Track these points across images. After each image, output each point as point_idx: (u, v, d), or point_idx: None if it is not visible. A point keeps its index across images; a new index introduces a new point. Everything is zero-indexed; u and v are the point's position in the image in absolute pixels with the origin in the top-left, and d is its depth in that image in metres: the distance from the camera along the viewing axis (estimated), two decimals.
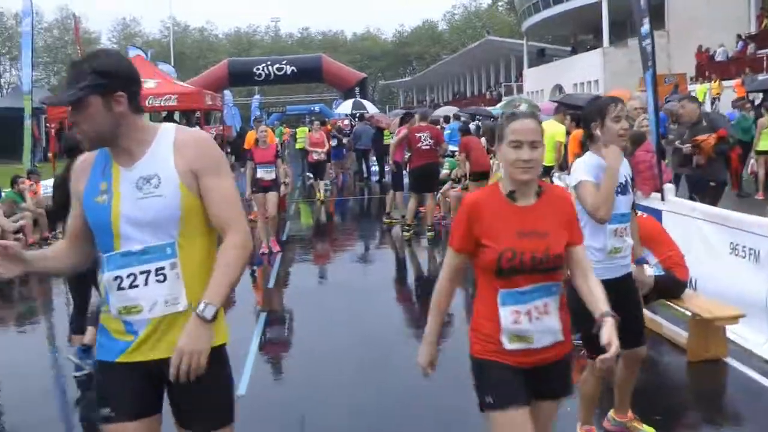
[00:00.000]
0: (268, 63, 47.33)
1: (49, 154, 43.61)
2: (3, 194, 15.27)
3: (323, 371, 7.47)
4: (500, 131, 3.70)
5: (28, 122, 21.35)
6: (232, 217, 3.27)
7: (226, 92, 49.83)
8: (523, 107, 26.13)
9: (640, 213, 6.98)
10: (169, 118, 20.76)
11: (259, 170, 13.49)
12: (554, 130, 14.05)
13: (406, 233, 15.10)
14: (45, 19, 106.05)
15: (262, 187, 13.54)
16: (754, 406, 6.41)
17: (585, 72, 52.12)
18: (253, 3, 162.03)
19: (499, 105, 36.89)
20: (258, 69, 46.63)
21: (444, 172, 17.02)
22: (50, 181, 20.95)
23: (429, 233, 14.93)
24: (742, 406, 6.49)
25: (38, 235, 15.57)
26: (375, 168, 27.48)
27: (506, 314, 3.63)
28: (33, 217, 15.34)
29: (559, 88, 57.62)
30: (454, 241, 3.78)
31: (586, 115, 5.31)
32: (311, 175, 22.90)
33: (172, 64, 48.67)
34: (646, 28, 9.50)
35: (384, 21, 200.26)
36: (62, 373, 7.74)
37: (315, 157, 21.79)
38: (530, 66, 66.40)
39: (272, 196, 13.60)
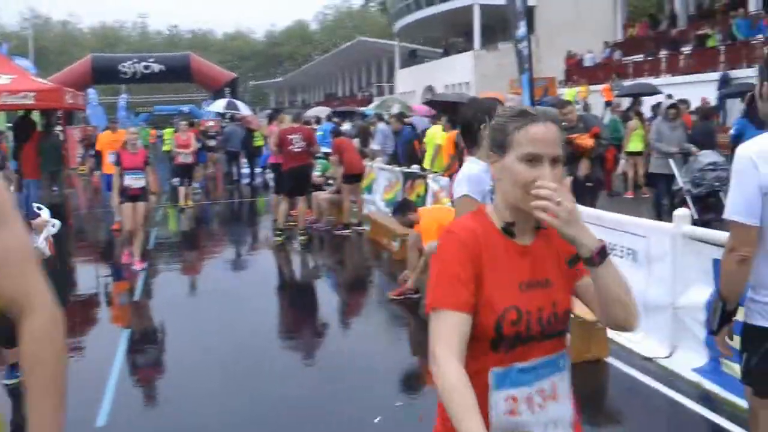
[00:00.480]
0: (135, 60, 45.86)
1: None
2: None
3: (194, 384, 7.16)
4: (502, 136, 2.52)
5: None
6: (24, 286, 2.09)
7: (91, 91, 48.30)
8: (396, 108, 26.04)
9: None
10: (26, 118, 19.65)
11: (127, 177, 12.35)
12: (434, 132, 14.08)
13: (277, 238, 14.66)
14: None
15: (130, 196, 12.35)
16: (633, 402, 6.57)
17: (456, 74, 52.76)
18: None
19: (371, 105, 36.78)
20: (124, 66, 45.12)
21: (315, 174, 16.63)
22: None
23: (301, 237, 14.54)
24: (622, 403, 6.66)
25: None
26: (245, 170, 26.94)
27: (499, 402, 2.45)
28: None
29: (430, 89, 58.13)
30: (451, 296, 2.41)
31: (468, 117, 4.57)
32: (177, 180, 21.54)
33: (32, 59, 46.86)
34: (522, 31, 9.45)
35: (255, 21, 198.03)
36: None
37: (181, 159, 20.50)
38: (402, 67, 66.79)
39: (141, 207, 12.47)
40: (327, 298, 11.00)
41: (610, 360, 7.38)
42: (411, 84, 61.35)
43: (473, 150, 4.55)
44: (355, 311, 10.32)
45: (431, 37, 69.16)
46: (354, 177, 15.03)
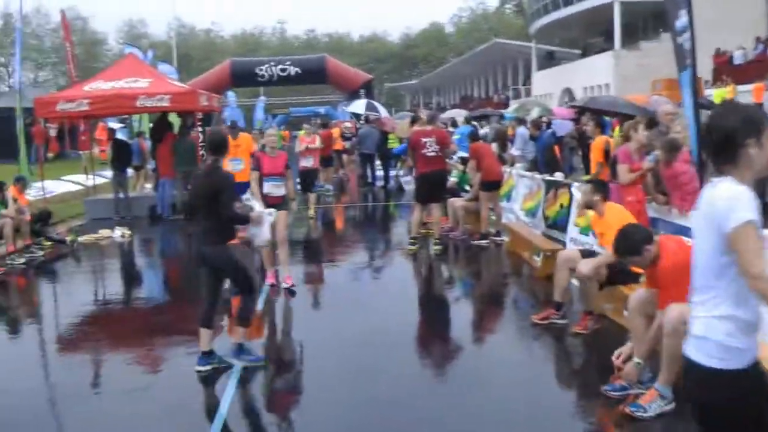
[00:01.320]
0: (272, 63, 46.21)
1: (49, 154, 43.45)
2: None
3: (330, 396, 6.96)
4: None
5: (20, 122, 20.62)
6: None
7: (229, 93, 49.02)
8: (536, 112, 25.33)
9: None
10: (162, 120, 19.85)
11: (266, 184, 10.80)
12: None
13: (411, 247, 13.94)
14: (53, 20, 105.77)
15: (270, 205, 10.30)
16: None
17: (595, 75, 51.56)
18: (260, 4, 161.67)
19: (510, 109, 35.99)
20: (261, 70, 45.51)
21: (452, 179, 16.02)
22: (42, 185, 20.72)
23: (436, 247, 13.81)
24: None
25: (20, 242, 14.80)
26: (379, 173, 26.62)
27: None
28: (15, 223, 14.45)
29: (568, 91, 57.06)
30: None
31: (729, 127, 3.47)
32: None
33: (175, 65, 47.89)
34: (683, 21, 8.50)
35: (390, 23, 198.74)
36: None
37: (303, 164, 18.57)
38: (539, 69, 65.75)
39: (284, 216, 10.95)
40: (461, 312, 10.37)
41: None
42: (548, 86, 60.35)
43: (726, 168, 3.44)
44: (491, 329, 9.65)
45: (569, 37, 67.86)
46: (492, 184, 14.23)
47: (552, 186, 13.98)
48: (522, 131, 19.05)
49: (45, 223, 16.05)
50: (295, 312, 10.28)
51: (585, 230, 12.21)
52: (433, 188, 13.72)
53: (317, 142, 18.93)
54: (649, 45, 49.95)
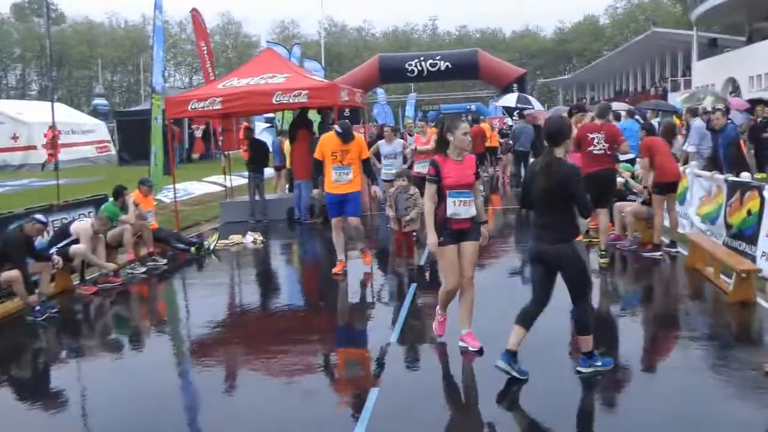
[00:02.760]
0: (421, 59, 44.91)
1: (195, 155, 43.60)
2: (102, 208, 13.44)
3: None
4: None
5: (157, 123, 19.83)
6: None
7: (378, 90, 48.14)
8: (708, 101, 23.09)
9: None
10: (301, 117, 18.64)
11: (450, 202, 7.59)
12: None
13: (602, 259, 12.12)
14: (207, 25, 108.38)
15: (456, 232, 7.64)
16: None
17: (763, 63, 47.96)
18: (411, 2, 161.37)
19: (679, 99, 33.47)
20: (410, 65, 44.28)
21: (619, 181, 14.08)
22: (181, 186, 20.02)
23: (602, 259, 12.01)
24: None
25: (144, 250, 13.93)
26: None
27: None
28: (135, 230, 13.50)
29: (732, 81, 53.76)
30: None
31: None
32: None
33: (324, 63, 47.34)
34: None
35: (543, 18, 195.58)
36: None
37: (416, 169, 15.31)
38: (700, 58, 62.26)
39: (472, 250, 7.79)
40: (632, 338, 8.48)
41: None
42: (709, 77, 56.91)
43: None
44: (666, 361, 7.88)
45: (733, 23, 64.06)
46: (668, 185, 12.11)
47: (737, 188, 11.90)
48: (698, 124, 16.65)
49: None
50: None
51: None
52: (599, 191, 11.85)
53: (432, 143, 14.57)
54: None
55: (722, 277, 10.33)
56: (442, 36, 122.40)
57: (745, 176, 12.21)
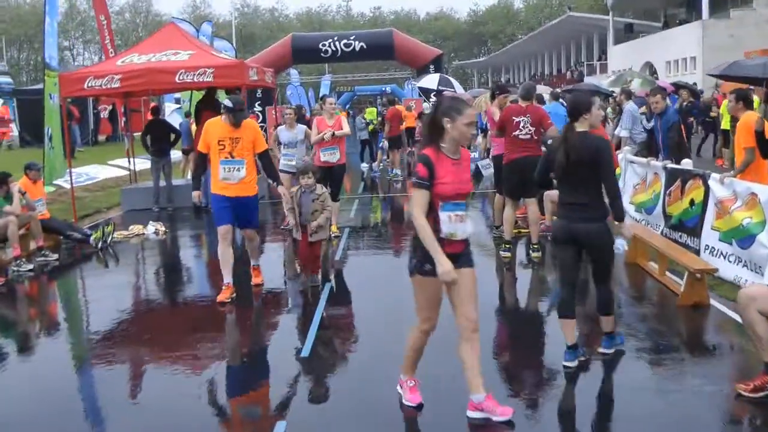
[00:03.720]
0: (335, 38, 43.54)
1: (101, 137, 41.74)
2: None
3: None
4: None
5: (52, 102, 18.33)
6: None
7: (292, 71, 46.77)
8: (636, 84, 22.49)
9: None
10: (208, 98, 17.28)
11: (444, 217, 7.29)
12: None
13: (504, 253, 11.24)
14: (116, 3, 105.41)
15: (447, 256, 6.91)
16: None
17: (680, 48, 48.48)
18: None
19: (606, 82, 32.99)
20: (324, 45, 42.87)
21: None
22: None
23: (534, 253, 11.13)
24: None
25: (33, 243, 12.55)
26: None
27: None
28: (22, 222, 12.09)
29: (649, 65, 53.99)
30: None
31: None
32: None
33: (235, 44, 45.87)
34: None
35: (458, 0, 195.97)
36: None
37: (322, 158, 12.77)
38: (616, 43, 62.45)
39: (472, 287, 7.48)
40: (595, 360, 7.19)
41: None
42: (626, 61, 57.09)
43: None
44: (611, 378, 6.77)
45: (648, 9, 64.86)
46: None
47: (677, 176, 11.07)
48: (630, 107, 15.66)
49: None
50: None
51: (728, 236, 9.49)
52: (525, 179, 10.87)
53: (345, 126, 13.01)
54: (739, 13, 46.62)
55: (669, 275, 9.50)
56: (356, 18, 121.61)
57: (686, 163, 11.35)
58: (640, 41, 58.32)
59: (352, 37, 43.62)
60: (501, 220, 11.81)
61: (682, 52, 48.51)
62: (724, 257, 9.50)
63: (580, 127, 6.58)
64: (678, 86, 26.38)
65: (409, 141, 28.07)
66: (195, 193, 10.19)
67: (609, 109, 20.07)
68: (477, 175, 22.03)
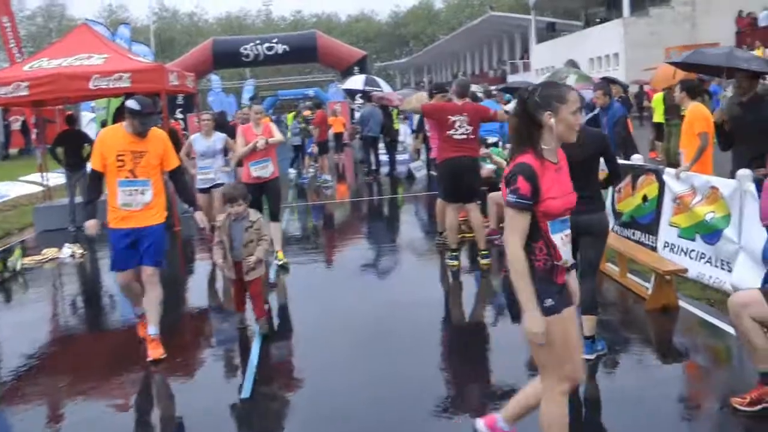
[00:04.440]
0: (258, 42, 42.48)
1: (12, 150, 40.03)
2: None
3: None
4: None
5: None
6: None
7: (213, 76, 45.70)
8: (572, 79, 21.90)
9: None
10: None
11: (556, 240, 7.09)
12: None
13: (451, 262, 10.48)
14: (27, 7, 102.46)
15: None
16: None
17: (602, 45, 48.87)
18: None
19: (541, 78, 32.67)
20: (246, 49, 41.78)
21: (488, 168, 12.51)
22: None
23: (483, 261, 10.37)
24: None
25: None
26: (384, 158, 23.39)
27: None
28: None
29: (572, 63, 54.10)
30: None
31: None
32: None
33: (153, 49, 44.56)
34: None
35: (379, 2, 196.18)
36: None
37: (254, 173, 10.70)
38: (538, 42, 62.63)
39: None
40: (526, 364, 6.47)
41: None
42: (549, 59, 57.22)
43: None
44: (588, 390, 6.09)
45: (568, 8, 65.04)
46: None
47: (627, 172, 10.44)
48: None
49: None
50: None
51: (689, 232, 8.94)
52: (463, 181, 10.30)
53: (276, 133, 11.00)
54: (658, 11, 47.18)
55: (630, 276, 8.90)
56: (277, 21, 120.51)
57: (636, 159, 10.81)
58: (563, 39, 58.58)
59: (274, 40, 42.70)
60: (444, 226, 11.05)
61: (604, 49, 48.94)
62: (686, 254, 9.02)
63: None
64: (608, 81, 26.08)
65: (337, 147, 27.22)
66: (89, 224, 7.66)
67: None
68: (409, 177, 21.55)
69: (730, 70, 8.50)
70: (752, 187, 7.67)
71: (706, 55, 9.30)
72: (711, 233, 8.51)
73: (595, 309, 6.58)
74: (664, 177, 9.53)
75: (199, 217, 8.03)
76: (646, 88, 27.38)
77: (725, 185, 8.25)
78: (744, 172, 7.83)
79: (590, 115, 13.06)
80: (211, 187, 12.24)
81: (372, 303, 9.07)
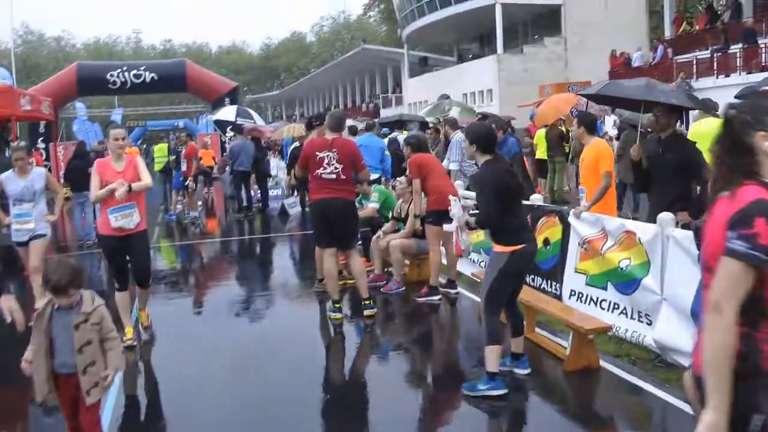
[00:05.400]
0: (124, 68, 40.43)
1: None
2: None
3: None
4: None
5: None
6: None
7: (78, 104, 43.69)
8: (455, 112, 21.34)
9: None
10: None
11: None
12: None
13: (335, 314, 9.29)
14: None
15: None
16: None
17: (477, 80, 48.92)
18: (114, 13, 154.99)
19: (423, 111, 32.14)
20: (112, 75, 39.64)
21: (371, 206, 11.58)
22: None
23: (368, 311, 9.30)
24: None
25: None
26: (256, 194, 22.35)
27: None
28: None
29: (446, 97, 54.12)
30: None
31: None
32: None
33: (16, 74, 42.28)
34: None
35: (250, 34, 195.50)
36: None
37: (115, 224, 8.27)
38: (411, 76, 62.56)
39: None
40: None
41: None
42: (422, 93, 57.13)
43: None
44: None
45: (440, 44, 65.67)
46: (446, 213, 7.97)
47: (526, 213, 9.69)
48: (460, 137, 13.70)
49: None
50: None
51: (600, 280, 8.17)
52: (335, 225, 9.23)
53: (144, 174, 8.42)
54: (532, 49, 47.73)
55: (539, 331, 8.03)
56: (147, 49, 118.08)
57: (536, 199, 10.06)
58: (436, 74, 58.54)
59: (142, 68, 40.82)
60: (322, 272, 9.88)
61: (478, 85, 48.98)
62: (596, 303, 8.20)
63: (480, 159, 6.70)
64: (485, 117, 25.76)
65: (206, 181, 25.83)
66: None
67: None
68: (282, 214, 20.48)
69: (648, 103, 7.78)
70: (676, 232, 6.93)
71: (623, 87, 8.60)
72: (626, 282, 7.69)
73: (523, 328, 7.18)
74: (570, 219, 8.78)
75: (6, 306, 5.31)
76: (528, 125, 27.25)
77: (643, 230, 7.45)
78: (666, 216, 7.06)
79: None
80: (29, 240, 9.71)
81: (242, 353, 7.93)
